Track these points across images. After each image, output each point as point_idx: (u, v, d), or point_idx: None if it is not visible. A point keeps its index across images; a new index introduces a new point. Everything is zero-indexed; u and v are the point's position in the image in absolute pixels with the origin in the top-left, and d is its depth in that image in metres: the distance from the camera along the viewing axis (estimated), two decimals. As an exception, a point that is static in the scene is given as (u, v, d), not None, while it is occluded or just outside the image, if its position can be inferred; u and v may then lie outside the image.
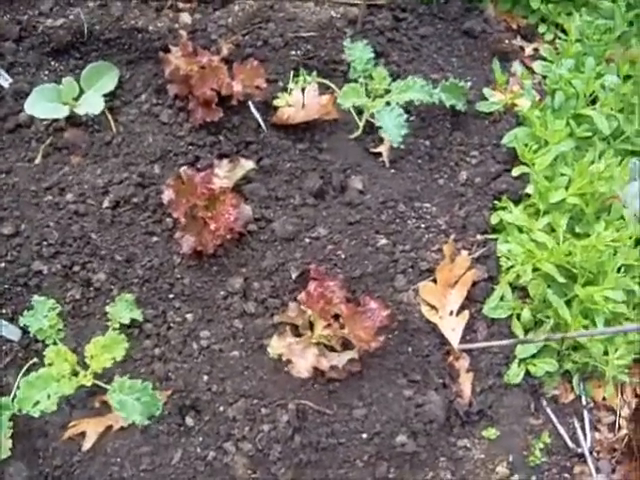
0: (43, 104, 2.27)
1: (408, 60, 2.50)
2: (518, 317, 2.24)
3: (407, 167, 2.38)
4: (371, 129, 2.36)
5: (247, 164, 2.21)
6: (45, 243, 2.17)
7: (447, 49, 2.56)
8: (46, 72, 2.40)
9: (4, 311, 2.12)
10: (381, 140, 2.37)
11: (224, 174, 2.16)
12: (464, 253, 2.26)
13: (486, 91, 2.49)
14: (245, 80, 2.26)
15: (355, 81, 2.33)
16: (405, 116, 2.26)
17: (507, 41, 2.60)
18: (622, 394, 2.34)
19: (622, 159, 2.35)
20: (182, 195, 2.12)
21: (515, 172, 2.30)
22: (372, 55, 2.32)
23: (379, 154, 2.39)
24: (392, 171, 2.38)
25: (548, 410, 2.25)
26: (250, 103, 2.30)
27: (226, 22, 2.45)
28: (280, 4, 2.48)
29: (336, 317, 2.07)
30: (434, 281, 2.24)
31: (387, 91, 2.33)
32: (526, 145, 2.28)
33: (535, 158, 2.25)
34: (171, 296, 2.17)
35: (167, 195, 2.13)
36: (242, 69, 2.28)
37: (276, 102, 2.34)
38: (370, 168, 2.37)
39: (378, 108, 2.24)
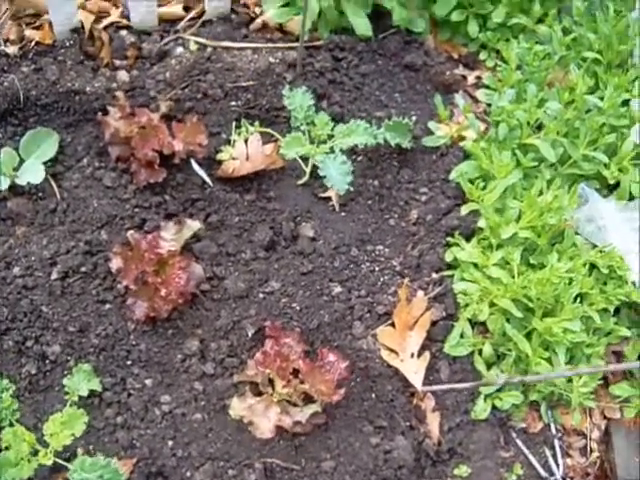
0: (-18, 178, 2.23)
1: (350, 100, 2.48)
2: (480, 352, 2.23)
3: (357, 209, 2.36)
4: (318, 173, 2.33)
5: (194, 224, 2.18)
6: (-5, 320, 2.13)
7: (389, 85, 2.54)
8: (-16, 141, 2.36)
9: (-43, 393, 2.07)
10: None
11: (171, 237, 2.13)
12: (420, 294, 2.25)
13: (431, 125, 2.48)
14: (186, 137, 2.24)
15: (297, 129, 2.30)
16: (349, 163, 2.24)
17: (449, 72, 2.58)
18: (591, 417, 2.34)
19: (571, 184, 2.35)
20: (130, 262, 2.09)
21: (464, 210, 2.29)
22: (312, 102, 2.30)
23: (328, 198, 2.36)
24: (342, 214, 2.36)
25: (518, 441, 2.24)
26: (193, 162, 2.27)
27: (164, 77, 2.41)
28: (217, 54, 2.45)
29: (296, 372, 2.04)
30: (392, 325, 2.22)
31: (330, 136, 2.31)
32: (472, 182, 2.27)
33: (483, 195, 2.23)
34: (129, 363, 2.14)
35: (115, 263, 2.10)
36: (182, 127, 2.25)
37: (220, 156, 2.31)
38: (320, 213, 2.35)
39: (321, 157, 2.22)
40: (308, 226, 2.31)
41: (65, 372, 2.11)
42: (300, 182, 2.37)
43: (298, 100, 2.29)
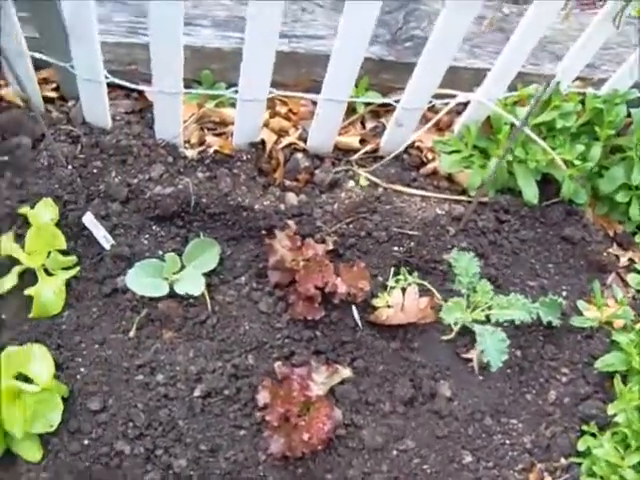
0: (144, 280, 2.26)
1: (506, 264, 2.48)
2: None
3: (496, 376, 2.36)
4: (464, 331, 2.34)
5: (344, 372, 2.19)
6: (131, 424, 2.15)
7: (545, 255, 2.55)
8: (146, 236, 2.39)
9: (83, 489, 2.09)
10: (473, 345, 2.35)
11: (321, 381, 2.14)
12: (548, 478, 2.24)
13: (580, 304, 2.47)
14: (350, 280, 2.25)
15: (459, 293, 2.32)
16: (507, 342, 2.23)
17: (605, 253, 2.58)
18: None
19: None
20: (277, 398, 2.10)
21: (611, 410, 2.28)
22: (478, 269, 2.30)
23: (469, 359, 2.37)
24: (480, 378, 2.36)
25: None
26: (354, 308, 2.28)
27: (332, 208, 2.43)
28: (387, 196, 2.47)
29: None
30: (516, 503, 2.22)
31: (485, 302, 2.31)
32: (625, 383, 2.27)
33: (631, 400, 2.22)
34: (251, 492, 2.14)
35: (262, 397, 2.12)
36: (349, 270, 2.27)
37: (375, 302, 2.32)
38: (459, 373, 2.35)
39: (479, 329, 2.23)
40: (446, 385, 2.31)
41: (185, 486, 2.11)
42: (445, 338, 2.37)
43: (464, 264, 2.30)
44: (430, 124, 2.44)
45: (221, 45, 2.49)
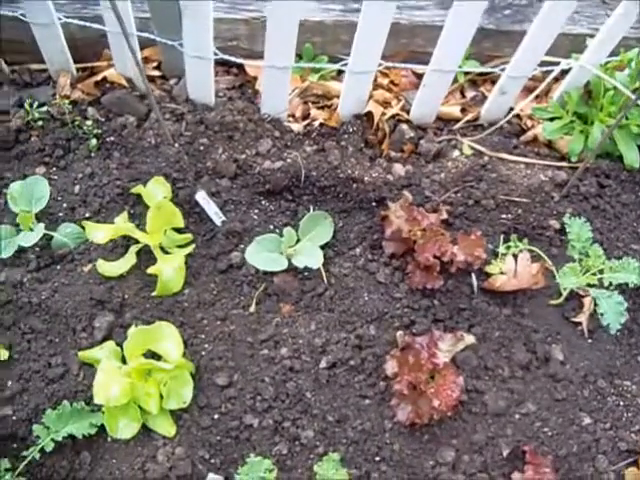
0: (264, 255, 2.28)
1: (610, 229, 2.51)
2: None
3: (605, 339, 2.40)
4: (571, 296, 2.38)
5: (469, 339, 2.23)
6: (259, 397, 2.19)
7: (646, 218, 2.59)
8: (256, 211, 2.41)
9: (213, 461, 2.13)
10: (580, 309, 2.39)
11: (446, 348, 2.18)
12: (665, 438, 2.29)
13: (684, 266, 2.51)
14: (466, 248, 2.28)
15: (565, 259, 2.35)
16: (625, 304, 2.27)
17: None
18: None
19: None
20: (405, 367, 2.14)
21: None
22: (590, 235, 2.33)
23: (578, 323, 2.40)
24: (589, 341, 2.39)
25: None
26: (473, 276, 2.31)
27: (439, 178, 2.45)
28: (493, 164, 2.49)
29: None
30: (635, 463, 2.26)
31: (598, 267, 2.34)
32: None
33: None
34: (377, 459, 2.18)
35: (390, 366, 2.16)
36: (466, 238, 2.29)
37: (489, 269, 2.35)
38: (568, 336, 2.39)
39: (597, 293, 2.26)
40: (558, 348, 2.35)
41: (312, 456, 2.15)
42: (553, 302, 2.40)
43: (577, 229, 2.33)
44: (537, 91, 2.46)
45: (323, 18, 2.50)
